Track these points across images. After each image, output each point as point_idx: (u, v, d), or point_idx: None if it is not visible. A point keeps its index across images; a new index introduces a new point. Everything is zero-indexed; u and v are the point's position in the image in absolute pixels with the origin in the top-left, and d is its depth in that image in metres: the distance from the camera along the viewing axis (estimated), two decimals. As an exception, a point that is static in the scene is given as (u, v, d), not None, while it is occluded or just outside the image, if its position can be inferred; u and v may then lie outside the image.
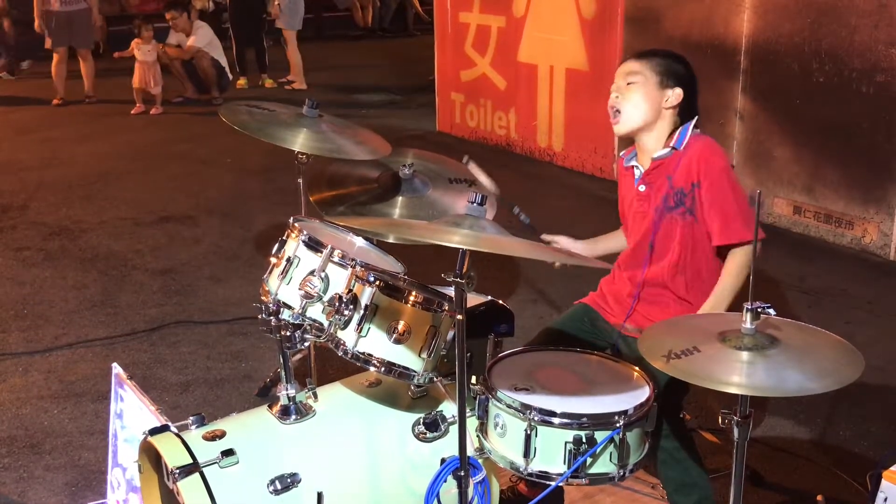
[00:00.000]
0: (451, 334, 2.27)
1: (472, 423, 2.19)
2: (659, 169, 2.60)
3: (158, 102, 9.52)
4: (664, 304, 2.62)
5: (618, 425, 2.02)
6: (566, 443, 2.03)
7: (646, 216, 2.64)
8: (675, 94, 2.59)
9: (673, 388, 2.43)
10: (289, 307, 2.34)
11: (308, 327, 2.32)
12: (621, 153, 2.81)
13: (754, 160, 5.91)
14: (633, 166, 2.69)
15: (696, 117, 2.62)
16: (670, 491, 2.57)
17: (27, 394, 3.81)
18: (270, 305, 2.35)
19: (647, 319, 2.59)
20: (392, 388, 2.44)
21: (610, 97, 2.64)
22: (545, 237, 2.83)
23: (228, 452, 2.13)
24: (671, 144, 2.58)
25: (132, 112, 9.43)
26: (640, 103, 2.58)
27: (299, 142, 2.90)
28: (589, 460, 2.04)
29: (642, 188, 2.64)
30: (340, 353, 2.24)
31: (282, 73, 11.08)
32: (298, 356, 3.18)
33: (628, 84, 2.60)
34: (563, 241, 2.85)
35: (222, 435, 2.21)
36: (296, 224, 2.45)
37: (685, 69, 2.64)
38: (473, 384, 2.16)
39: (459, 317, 1.99)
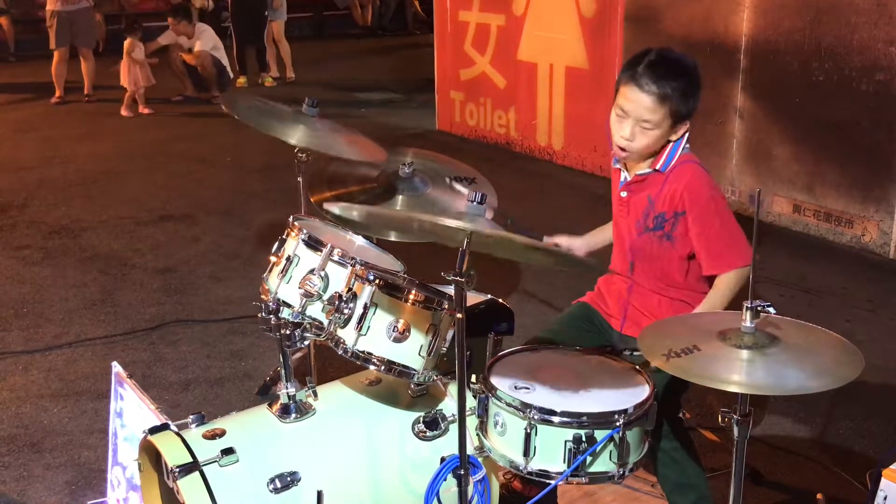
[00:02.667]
0: (450, 333, 2.27)
1: (471, 421, 2.20)
2: (641, 184, 2.57)
3: (143, 102, 9.41)
4: (655, 304, 2.62)
5: (617, 424, 2.02)
6: (566, 441, 2.03)
7: (624, 221, 2.63)
8: (683, 128, 2.51)
9: (672, 387, 2.43)
10: (289, 306, 2.34)
11: (308, 326, 2.32)
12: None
13: (754, 159, 5.91)
14: (618, 169, 2.67)
15: (686, 135, 2.53)
16: (667, 490, 2.58)
17: (27, 392, 3.81)
18: (270, 304, 2.35)
19: (644, 317, 2.60)
20: (392, 387, 2.44)
21: (619, 134, 2.49)
22: (546, 239, 2.82)
23: (228, 451, 2.13)
24: (656, 167, 2.52)
25: (122, 114, 9.29)
26: (651, 144, 2.49)
27: (298, 137, 2.91)
28: (589, 459, 2.04)
29: (623, 194, 2.64)
30: (340, 352, 2.24)
31: (280, 72, 11.09)
32: (298, 355, 3.18)
33: (643, 129, 2.46)
34: (563, 241, 2.85)
35: (222, 433, 2.21)
36: (295, 223, 2.45)
37: (697, 96, 2.49)
38: (473, 383, 2.16)
39: (459, 315, 1.99)
